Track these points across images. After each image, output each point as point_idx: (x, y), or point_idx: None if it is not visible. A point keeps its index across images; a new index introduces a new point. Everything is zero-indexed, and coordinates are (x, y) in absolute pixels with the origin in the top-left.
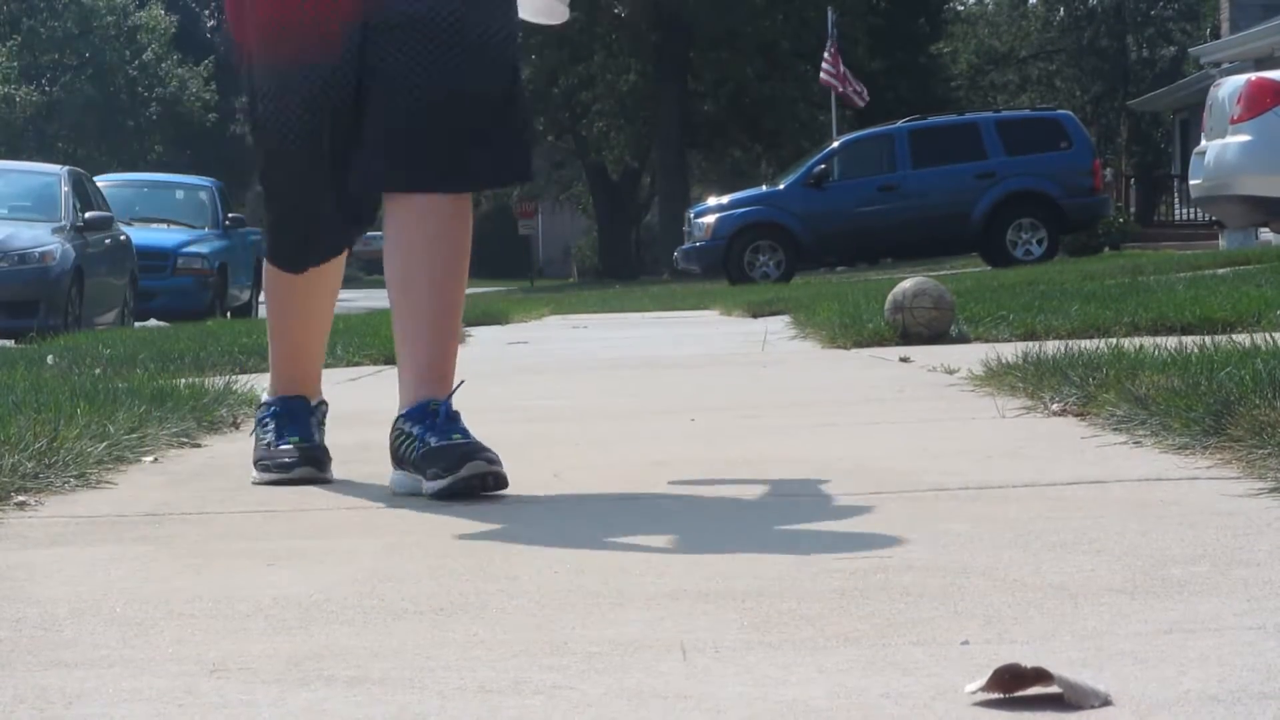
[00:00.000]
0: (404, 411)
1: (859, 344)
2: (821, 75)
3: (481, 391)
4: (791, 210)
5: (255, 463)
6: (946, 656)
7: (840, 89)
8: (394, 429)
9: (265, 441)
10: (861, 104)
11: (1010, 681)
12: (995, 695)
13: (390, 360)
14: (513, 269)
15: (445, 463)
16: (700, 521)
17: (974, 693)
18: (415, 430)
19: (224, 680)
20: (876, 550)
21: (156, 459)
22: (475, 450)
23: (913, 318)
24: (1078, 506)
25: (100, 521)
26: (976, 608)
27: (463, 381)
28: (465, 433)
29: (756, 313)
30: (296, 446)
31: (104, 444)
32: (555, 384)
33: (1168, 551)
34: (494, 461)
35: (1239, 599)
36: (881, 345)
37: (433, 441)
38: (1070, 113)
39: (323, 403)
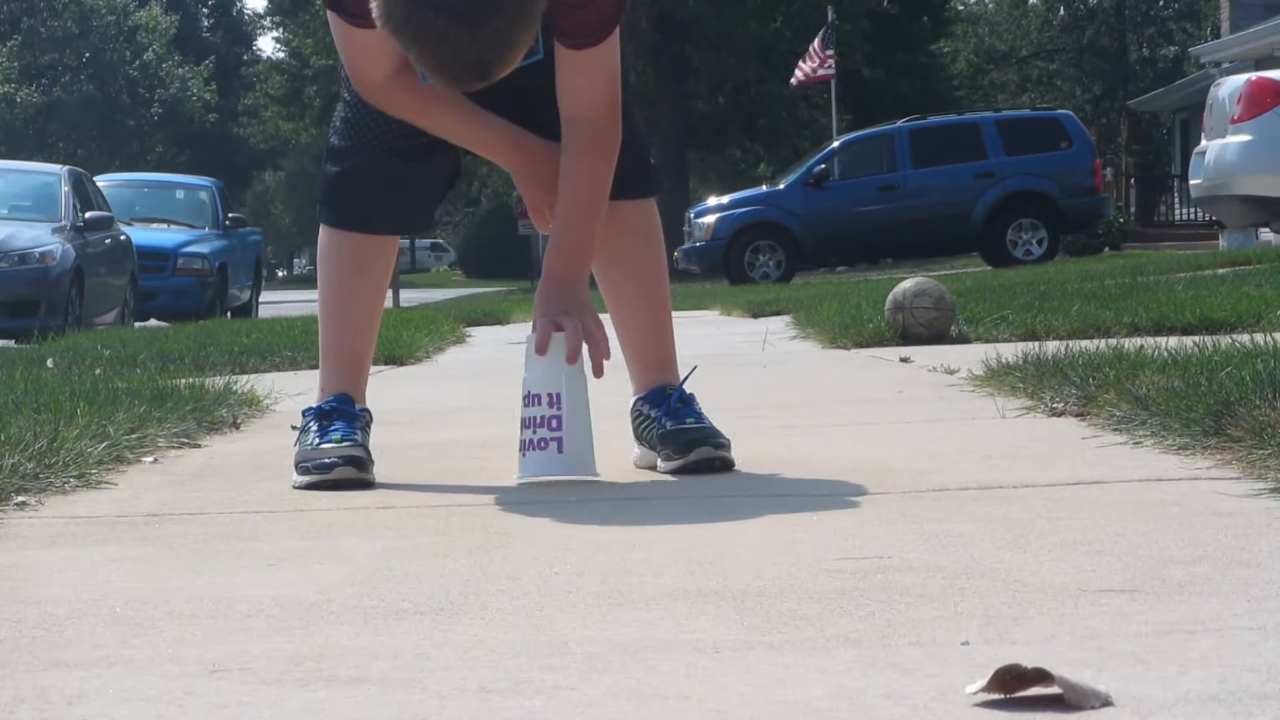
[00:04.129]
0: (642, 395)
1: (859, 344)
2: (794, 79)
3: (484, 391)
4: (792, 210)
5: (296, 465)
6: (947, 657)
7: (810, 75)
8: (634, 410)
9: (307, 442)
10: (830, 73)
11: (1011, 682)
12: (996, 696)
13: (390, 361)
14: (512, 269)
15: (677, 445)
16: (700, 522)
17: (974, 694)
18: (653, 413)
19: (224, 680)
20: (877, 551)
21: (156, 459)
22: (706, 436)
23: (913, 318)
24: (1078, 507)
25: (100, 522)
26: (977, 608)
27: (695, 367)
28: (699, 416)
29: (757, 313)
30: (339, 446)
31: (104, 444)
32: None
33: (1168, 552)
34: (721, 446)
35: (1239, 599)
36: (882, 345)
37: (668, 425)
38: (1070, 112)
39: (366, 410)
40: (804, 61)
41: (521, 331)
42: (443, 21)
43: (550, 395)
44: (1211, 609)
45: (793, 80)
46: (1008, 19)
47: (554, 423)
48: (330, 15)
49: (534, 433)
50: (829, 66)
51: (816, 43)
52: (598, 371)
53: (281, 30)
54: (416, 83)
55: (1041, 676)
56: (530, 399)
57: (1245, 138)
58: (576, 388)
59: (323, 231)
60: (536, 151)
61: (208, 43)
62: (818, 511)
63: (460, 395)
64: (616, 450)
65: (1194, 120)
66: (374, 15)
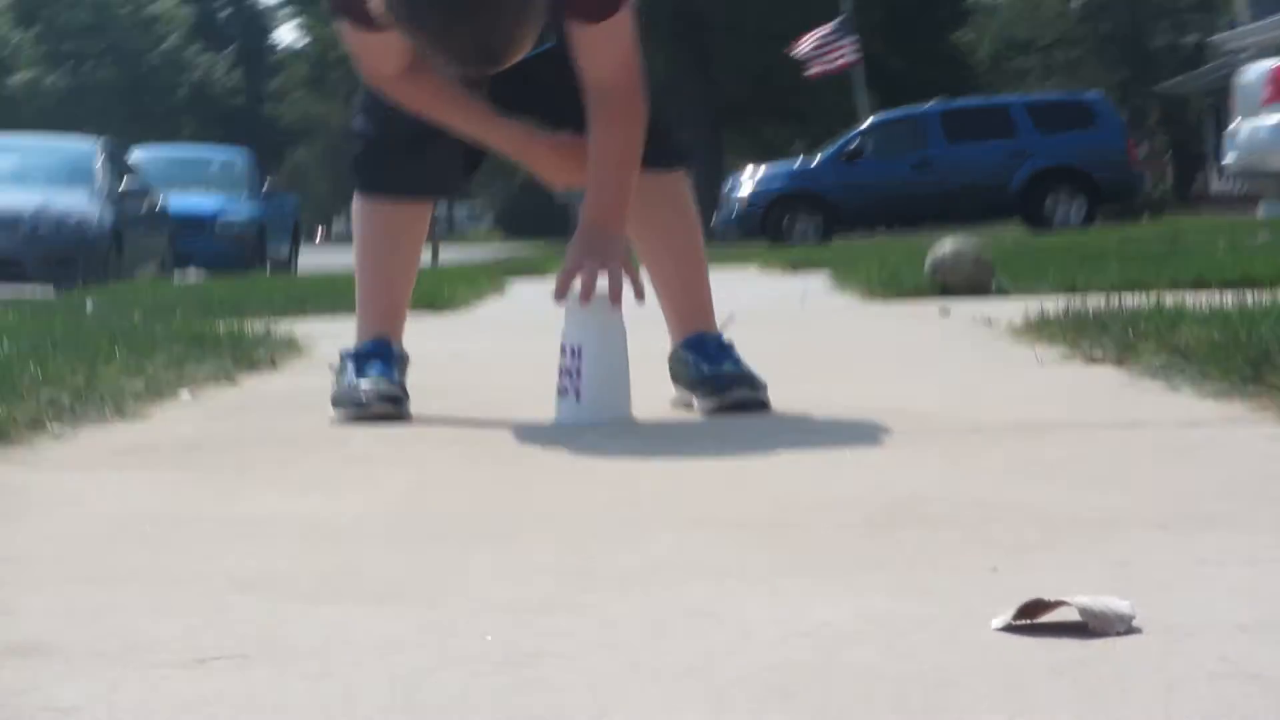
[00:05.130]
0: (681, 341)
1: (897, 297)
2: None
3: (520, 340)
4: (828, 182)
5: (332, 402)
6: (974, 583)
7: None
8: (672, 355)
9: (345, 381)
10: (856, 58)
11: (1033, 609)
12: (1022, 622)
13: (431, 307)
14: (553, 229)
15: (714, 387)
16: (734, 455)
17: (1000, 629)
18: (690, 357)
19: (253, 595)
20: (909, 484)
21: (193, 395)
22: (744, 379)
23: (953, 273)
24: (1112, 447)
25: (136, 450)
26: (1006, 537)
27: (733, 315)
28: (737, 361)
29: (797, 269)
30: (375, 383)
31: (141, 379)
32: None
33: (1200, 490)
34: (759, 388)
35: (1271, 534)
36: (921, 299)
37: (706, 369)
38: (1100, 93)
39: (404, 352)
40: (808, 46)
41: None
42: (444, 10)
43: (573, 348)
44: (1242, 543)
45: (811, 71)
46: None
47: (575, 373)
48: (337, 23)
49: (561, 381)
50: (856, 51)
51: (827, 30)
52: (637, 294)
53: (303, 17)
54: (428, 79)
55: (1062, 603)
56: (562, 349)
57: (1277, 118)
58: (604, 337)
59: (356, 198)
60: (552, 148)
61: (226, 33)
62: (852, 447)
63: (498, 343)
64: (655, 396)
65: (1222, 105)
66: (377, 10)
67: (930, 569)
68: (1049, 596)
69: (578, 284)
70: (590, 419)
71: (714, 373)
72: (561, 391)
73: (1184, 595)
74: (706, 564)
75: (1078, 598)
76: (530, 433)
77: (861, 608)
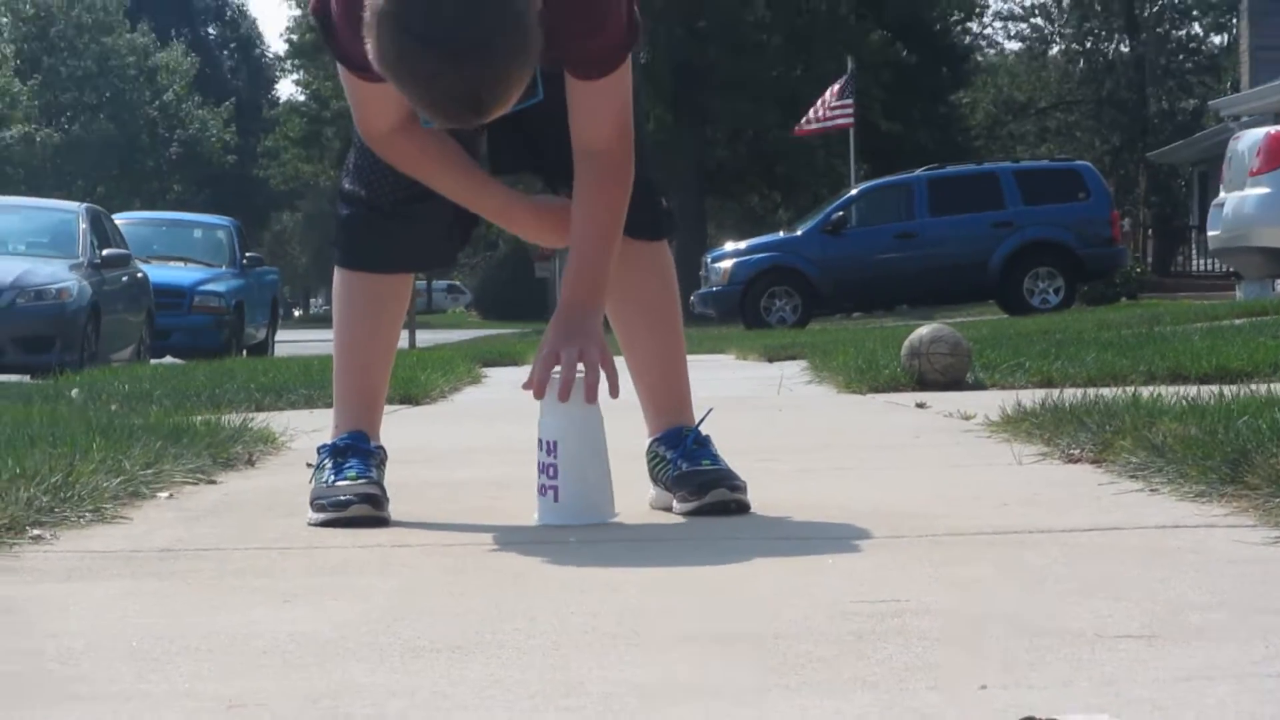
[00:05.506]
0: (658, 436)
1: (875, 389)
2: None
3: (500, 431)
4: (809, 256)
5: (311, 502)
6: (965, 701)
7: (826, 123)
8: (649, 451)
9: (322, 479)
10: (849, 121)
11: None
12: None
13: (406, 400)
14: (529, 310)
15: (693, 487)
16: (716, 564)
17: None
18: (668, 454)
19: (240, 717)
20: (893, 594)
21: (172, 495)
22: (722, 478)
23: (929, 364)
24: (1094, 553)
25: (115, 556)
26: (994, 652)
27: (711, 410)
28: (714, 458)
29: (773, 357)
30: (354, 483)
31: (119, 479)
32: None
33: (1185, 598)
34: (737, 488)
35: (1258, 646)
36: (898, 391)
37: (684, 466)
38: (1089, 164)
39: (381, 448)
40: (814, 110)
41: None
42: (434, 58)
43: (549, 443)
44: (1229, 655)
45: (802, 125)
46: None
47: (551, 471)
48: (340, 68)
49: (541, 479)
50: (848, 115)
51: (833, 90)
52: (612, 392)
53: (302, 73)
54: (420, 137)
55: None
56: (539, 444)
57: (1264, 190)
58: (581, 431)
59: (337, 273)
60: (534, 213)
61: (229, 85)
62: (834, 554)
63: (476, 435)
64: (634, 494)
65: (1212, 172)
66: (370, 56)
67: (919, 687)
68: (1040, 715)
69: (556, 373)
70: (571, 519)
71: (693, 470)
72: (541, 491)
73: (1173, 713)
74: (693, 683)
75: (1070, 718)
76: (512, 536)
77: None
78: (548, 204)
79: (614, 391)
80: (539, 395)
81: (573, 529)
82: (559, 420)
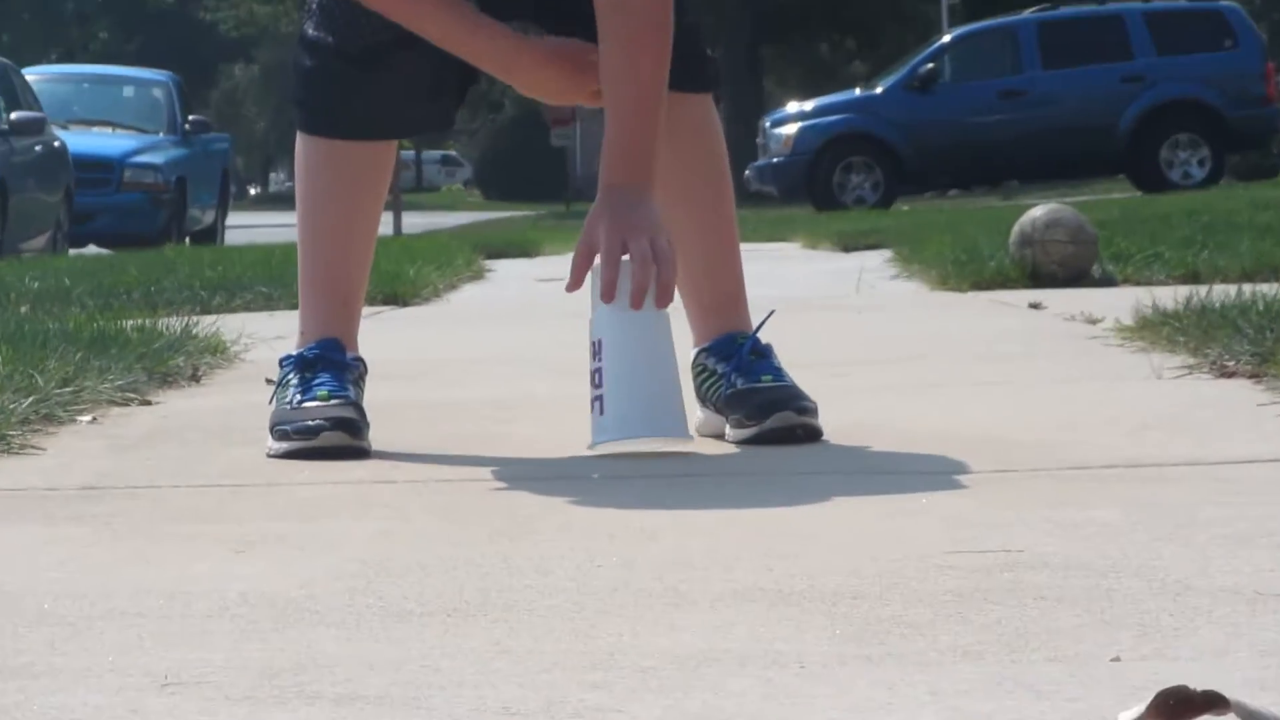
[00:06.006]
0: (705, 345)
1: (978, 286)
2: None
3: (505, 339)
4: (892, 119)
5: (271, 428)
6: (1092, 676)
7: None
8: (695, 364)
9: (286, 399)
10: None
11: (1175, 708)
12: None
13: (390, 300)
14: (545, 189)
15: (751, 409)
16: (780, 504)
17: None
18: (720, 368)
19: (179, 697)
20: (1002, 542)
21: (95, 419)
22: (787, 397)
23: (1045, 254)
24: (1255, 490)
25: (25, 496)
26: (1129, 615)
27: (773, 312)
28: (777, 372)
29: (849, 246)
30: (325, 404)
31: (30, 399)
32: None
33: None
34: (806, 410)
35: None
36: (1006, 288)
37: (739, 383)
38: (1236, 4)
39: (360, 359)
40: None
41: (554, 266)
42: None
43: (595, 342)
44: None
45: None
46: None
47: (597, 377)
48: None
49: (591, 390)
50: None
51: None
52: (662, 300)
53: None
54: None
55: (1214, 702)
56: (590, 347)
57: None
58: (635, 328)
59: (300, 139)
60: (548, 59)
61: None
62: (927, 493)
63: (478, 343)
64: None
65: None
66: None
67: (1036, 658)
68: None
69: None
70: (620, 433)
71: (750, 388)
72: (592, 406)
73: None
74: (752, 651)
75: (1235, 697)
76: (523, 470)
77: (950, 711)
78: (563, 46)
79: (664, 300)
80: (575, 286)
81: (601, 462)
82: (606, 314)
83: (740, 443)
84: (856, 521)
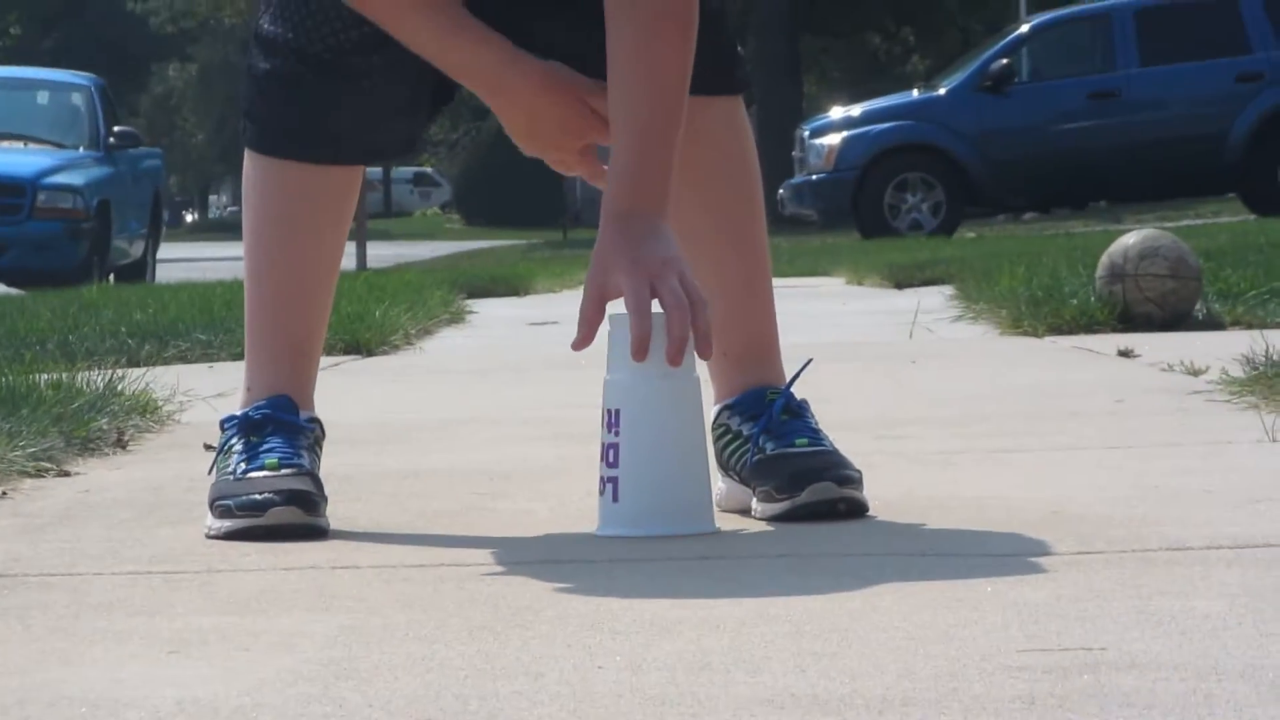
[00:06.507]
0: (729, 401)
1: (1057, 330)
2: None
3: (491, 395)
4: (957, 127)
5: (211, 504)
6: None
7: None
8: (716, 424)
9: (228, 469)
10: None
11: None
12: None
13: (353, 349)
14: (538, 214)
15: (783, 479)
16: (817, 592)
17: None
18: (746, 429)
19: None
20: (1083, 639)
21: (6, 493)
22: (826, 465)
23: (1139, 290)
24: None
25: None
26: None
27: (810, 360)
28: (814, 434)
29: (903, 281)
30: (275, 475)
31: None
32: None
33: None
34: (848, 481)
35: None
36: (1092, 331)
37: (769, 448)
38: None
39: (316, 421)
40: None
41: (549, 306)
42: None
43: (611, 412)
44: None
45: None
46: None
47: (611, 454)
48: None
49: (601, 469)
50: None
51: None
52: (704, 350)
53: None
54: None
55: None
56: (603, 419)
57: None
58: (662, 399)
59: (249, 159)
60: (542, 78)
61: None
62: (994, 578)
63: (459, 400)
64: None
65: None
66: None
67: None
68: None
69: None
70: (636, 527)
71: (781, 454)
72: (601, 487)
73: None
74: None
75: None
76: (512, 553)
77: None
78: (569, 76)
79: (706, 349)
80: (584, 343)
81: (605, 544)
82: (625, 377)
83: (770, 519)
84: (908, 613)
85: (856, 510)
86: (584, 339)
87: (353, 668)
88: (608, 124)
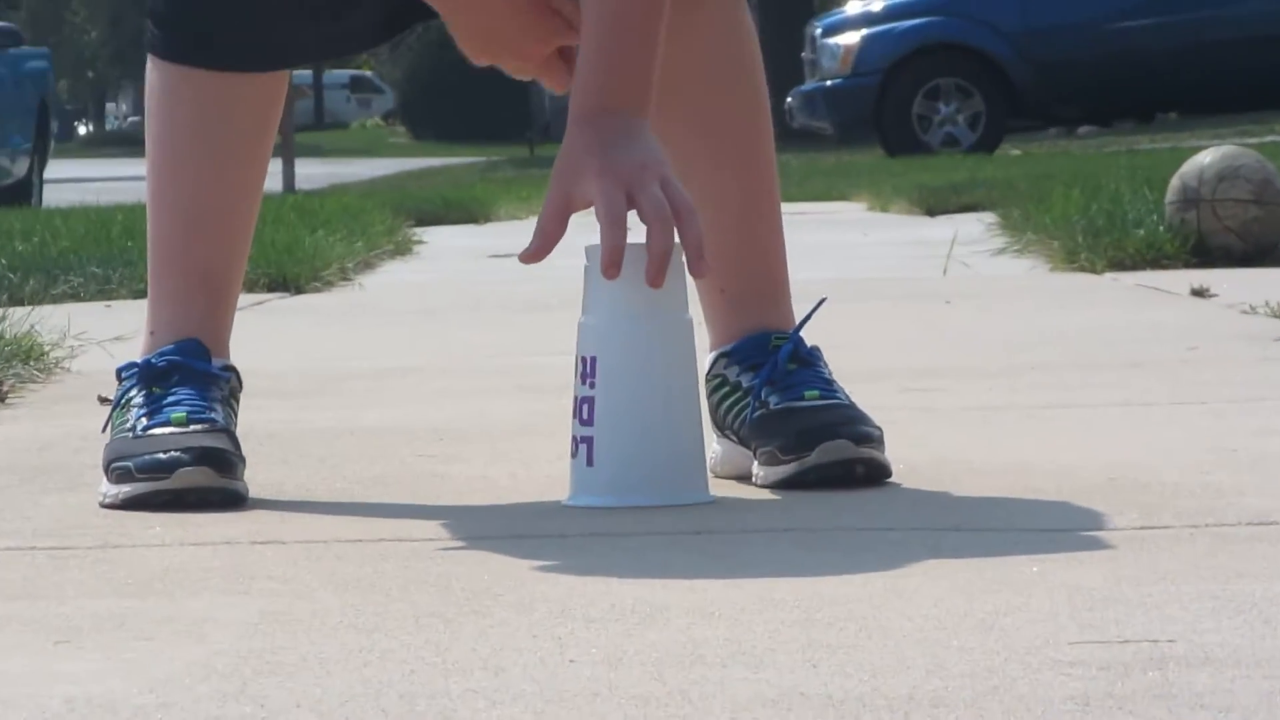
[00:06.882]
0: (726, 347)
1: (1119, 265)
2: None
3: (442, 340)
4: (998, 24)
5: (107, 466)
6: None
7: None
8: (711, 375)
9: (127, 426)
10: None
11: None
12: None
13: (278, 285)
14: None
15: (786, 438)
16: (830, 572)
17: None
18: (745, 380)
19: None
20: (1146, 629)
21: None
22: (840, 421)
23: (1216, 218)
24: None
25: None
26: None
27: (824, 300)
28: (827, 386)
29: (935, 207)
30: (183, 431)
31: None
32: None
33: None
34: (867, 439)
35: None
36: (1160, 266)
37: (773, 402)
38: None
39: (232, 369)
40: None
41: (513, 235)
42: None
43: (586, 360)
44: None
45: None
46: None
47: (585, 410)
48: None
49: (573, 425)
50: None
51: None
52: (697, 267)
53: None
54: None
55: None
56: (576, 367)
57: None
58: (645, 343)
59: (152, 64)
60: None
61: None
62: (1040, 557)
63: (404, 347)
64: None
65: None
66: None
67: None
68: None
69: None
70: (615, 495)
71: (787, 408)
72: (573, 447)
73: None
74: None
75: None
76: (468, 526)
77: None
78: None
79: (699, 265)
80: (536, 255)
81: (579, 515)
82: (603, 319)
83: (774, 486)
84: (939, 598)
85: (877, 474)
86: (536, 252)
87: (276, 661)
88: (577, 24)
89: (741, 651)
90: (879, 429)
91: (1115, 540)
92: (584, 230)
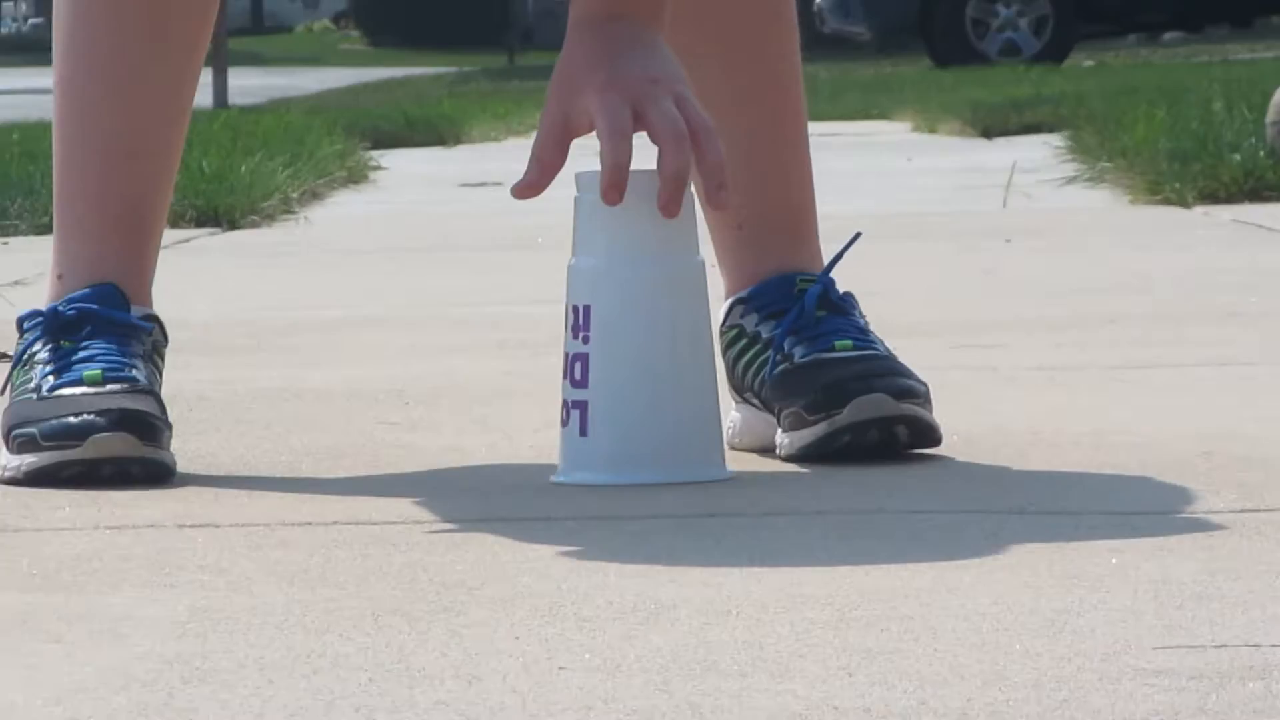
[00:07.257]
0: (744, 293)
1: (1211, 197)
2: None
3: (405, 285)
4: None
5: (6, 435)
6: None
7: None
8: (726, 325)
9: (30, 385)
10: None
11: None
12: None
13: (208, 219)
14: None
15: (814, 394)
16: (867, 561)
17: None
18: (765, 330)
19: None
20: (1244, 631)
21: None
22: (877, 372)
23: None
24: None
25: None
26: None
27: (859, 235)
28: (862, 335)
29: (992, 129)
30: (97, 391)
31: None
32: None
33: None
34: (910, 394)
35: None
36: (1260, 200)
37: (798, 355)
38: None
39: (155, 319)
40: None
41: (488, 159)
42: None
43: (579, 309)
44: None
45: None
46: None
47: (577, 368)
48: None
49: (564, 388)
50: None
51: None
52: (715, 196)
53: None
54: None
55: None
56: (566, 316)
57: None
58: (650, 288)
59: None
60: None
61: None
62: (1119, 544)
63: (360, 293)
64: None
65: None
66: None
67: None
68: None
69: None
70: (614, 471)
71: (815, 360)
72: (563, 414)
73: None
74: None
75: None
76: (438, 507)
77: None
78: None
79: (718, 195)
80: (533, 189)
81: (571, 494)
82: (598, 261)
83: (801, 456)
84: (999, 595)
85: (922, 437)
86: (532, 184)
87: (208, 667)
88: None
89: (763, 658)
90: (924, 384)
91: (1209, 526)
92: (588, 158)
